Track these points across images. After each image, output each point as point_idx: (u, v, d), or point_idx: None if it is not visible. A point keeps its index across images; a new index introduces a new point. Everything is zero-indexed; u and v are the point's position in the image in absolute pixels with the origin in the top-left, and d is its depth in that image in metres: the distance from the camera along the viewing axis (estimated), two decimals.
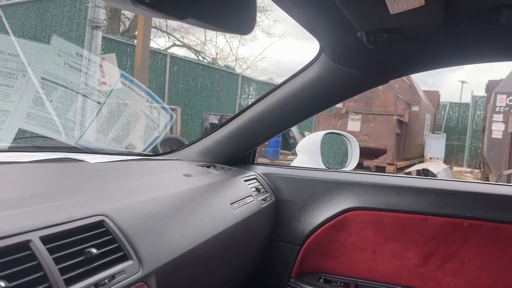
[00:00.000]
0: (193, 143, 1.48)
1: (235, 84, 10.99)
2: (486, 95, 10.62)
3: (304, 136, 12.32)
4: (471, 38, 1.06)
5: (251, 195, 1.24)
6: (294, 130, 11.18)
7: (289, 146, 10.96)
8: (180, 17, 0.53)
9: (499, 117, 7.84)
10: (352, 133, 9.51)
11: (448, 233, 1.28)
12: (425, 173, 7.13)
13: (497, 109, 7.85)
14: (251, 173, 1.40)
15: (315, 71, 1.24)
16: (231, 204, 1.10)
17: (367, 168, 9.35)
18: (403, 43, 1.07)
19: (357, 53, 1.12)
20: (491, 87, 8.99)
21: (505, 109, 7.81)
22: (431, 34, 1.03)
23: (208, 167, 1.32)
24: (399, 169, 9.45)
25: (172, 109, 8.91)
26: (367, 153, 9.34)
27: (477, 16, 0.98)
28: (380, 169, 9.27)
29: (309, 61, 1.30)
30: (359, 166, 9.46)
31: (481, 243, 1.25)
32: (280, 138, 10.15)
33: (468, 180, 1.48)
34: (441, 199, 1.29)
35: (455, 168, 11.21)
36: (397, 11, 0.85)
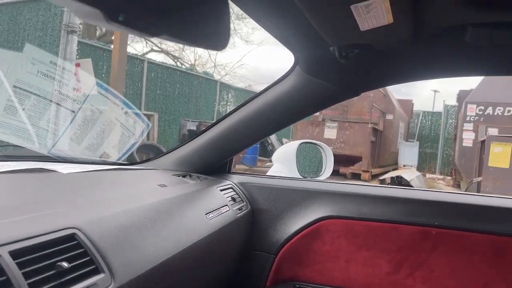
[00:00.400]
0: (170, 152, 1.48)
1: (214, 90, 10.98)
2: (457, 104, 10.99)
3: (282, 143, 12.42)
4: (439, 54, 1.11)
5: (226, 205, 1.25)
6: (273, 137, 11.25)
7: (267, 153, 11.01)
8: (154, 34, 0.54)
9: (469, 126, 8.12)
10: (328, 140, 9.70)
11: (418, 241, 1.32)
12: (399, 180, 7.30)
13: (468, 118, 8.14)
14: (227, 182, 1.41)
15: (290, 82, 1.27)
16: (206, 214, 1.10)
17: (343, 175, 9.51)
18: (374, 57, 1.11)
19: (330, 66, 1.16)
20: (462, 97, 9.32)
21: (475, 119, 8.10)
22: (400, 49, 1.07)
23: (184, 176, 1.32)
24: (374, 176, 9.63)
25: (149, 115, 8.81)
26: (343, 160, 9.51)
27: (444, 33, 1.03)
28: (356, 176, 9.44)
29: (286, 72, 1.33)
30: (335, 173, 9.62)
31: (449, 251, 1.30)
32: (258, 145, 10.19)
33: (437, 190, 1.53)
34: (411, 208, 1.34)
35: (428, 175, 11.51)
36: (367, 28, 0.88)
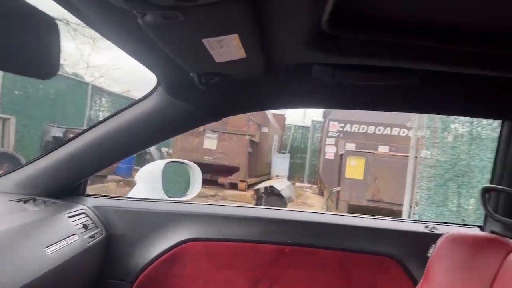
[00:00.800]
0: (13, 172, 1.29)
1: (85, 94, 10.11)
2: (323, 120, 12.19)
3: (161, 152, 12.07)
4: (290, 86, 1.20)
5: (75, 234, 1.14)
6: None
7: (145, 162, 10.57)
8: None
9: (331, 140, 9.08)
10: (208, 151, 9.76)
11: (274, 259, 1.40)
12: (271, 189, 7.71)
13: (330, 134, 9.10)
14: (80, 207, 1.29)
15: (153, 102, 1.23)
16: (46, 248, 0.98)
17: (221, 185, 9.69)
18: (233, 85, 1.14)
19: (192, 90, 1.16)
20: (326, 114, 10.37)
21: (336, 134, 9.09)
22: (257, 81, 1.13)
23: (26, 201, 1.16)
24: (250, 186, 10.03)
25: (4, 119, 7.64)
26: (222, 170, 9.68)
27: (294, 69, 1.12)
28: (233, 186, 9.70)
29: (149, 90, 1.29)
30: (214, 183, 9.75)
31: (300, 267, 1.40)
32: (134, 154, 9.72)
33: (291, 209, 1.65)
34: (268, 228, 1.42)
35: (297, 184, 12.46)
36: (222, 60, 0.91)
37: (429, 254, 1.29)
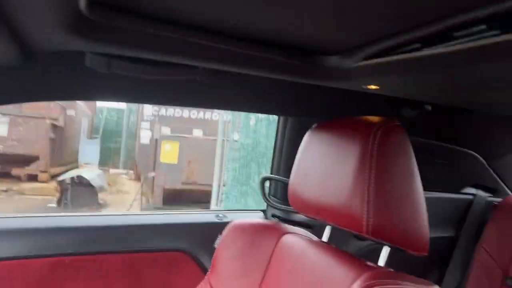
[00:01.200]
0: None
1: None
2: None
3: None
4: (60, 76, 1.04)
5: None
6: None
7: None
8: None
9: (147, 124, 8.83)
10: None
11: (51, 273, 1.22)
12: (80, 179, 7.04)
13: (145, 118, 8.82)
14: None
15: None
16: None
17: (17, 178, 8.28)
18: None
19: None
20: None
21: (152, 118, 8.87)
22: (13, 68, 0.94)
23: None
24: (55, 176, 8.92)
25: None
26: (17, 160, 8.27)
27: (61, 56, 0.97)
28: (33, 178, 8.43)
29: None
30: (8, 176, 8.24)
31: (84, 277, 1.27)
32: None
33: (72, 214, 1.47)
34: (43, 240, 1.22)
35: (112, 170, 11.74)
36: None
37: (215, 245, 1.34)
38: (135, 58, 1.00)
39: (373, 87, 1.13)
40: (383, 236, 0.74)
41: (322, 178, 0.82)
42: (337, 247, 0.91)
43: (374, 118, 0.81)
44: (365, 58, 0.94)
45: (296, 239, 0.95)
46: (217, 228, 1.43)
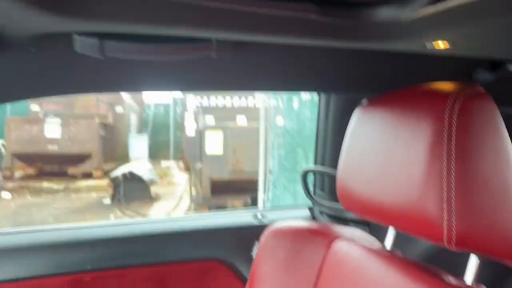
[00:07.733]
0: None
1: None
2: (183, 97, 11.82)
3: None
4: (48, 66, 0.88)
5: None
6: None
7: None
8: None
9: (191, 116, 8.85)
10: (52, 139, 8.54)
11: None
12: (132, 176, 7.20)
13: (189, 109, 8.86)
14: None
15: None
16: None
17: (74, 176, 8.67)
18: None
19: None
20: None
21: (196, 109, 8.87)
22: None
23: None
24: (108, 172, 9.25)
25: None
26: (72, 160, 8.66)
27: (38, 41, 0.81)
28: (88, 175, 8.79)
29: None
30: (65, 175, 8.64)
31: None
32: None
33: (86, 225, 1.32)
34: (59, 256, 1.09)
35: (163, 163, 11.99)
36: None
37: (252, 254, 1.15)
38: (132, 36, 0.82)
39: (440, 45, 0.86)
40: (472, 245, 0.53)
41: (380, 169, 0.61)
42: (403, 252, 0.70)
43: (447, 85, 0.58)
44: (430, 2, 0.68)
45: (351, 247, 0.75)
46: (255, 231, 1.23)
